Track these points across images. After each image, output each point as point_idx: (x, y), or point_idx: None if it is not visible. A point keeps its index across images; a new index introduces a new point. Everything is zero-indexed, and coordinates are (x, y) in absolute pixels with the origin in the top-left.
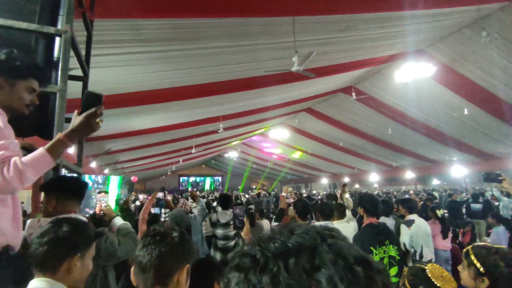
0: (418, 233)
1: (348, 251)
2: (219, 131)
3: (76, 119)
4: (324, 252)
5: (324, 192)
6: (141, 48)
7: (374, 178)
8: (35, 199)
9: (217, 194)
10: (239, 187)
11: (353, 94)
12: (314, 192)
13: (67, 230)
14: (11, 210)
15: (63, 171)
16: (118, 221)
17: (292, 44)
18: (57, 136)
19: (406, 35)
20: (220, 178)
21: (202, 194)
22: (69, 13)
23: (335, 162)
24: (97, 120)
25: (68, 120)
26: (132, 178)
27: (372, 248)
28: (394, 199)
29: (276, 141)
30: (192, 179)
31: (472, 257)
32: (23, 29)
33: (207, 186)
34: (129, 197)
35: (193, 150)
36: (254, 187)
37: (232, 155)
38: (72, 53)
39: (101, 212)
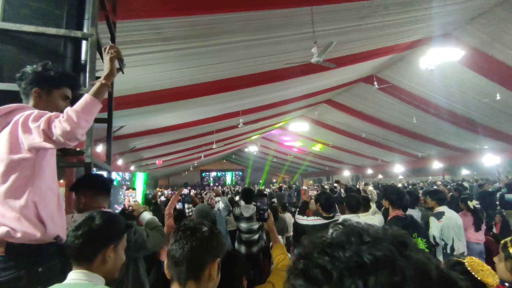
0: (449, 225)
1: (429, 267)
2: (239, 126)
3: (105, 64)
4: (405, 269)
5: (348, 185)
6: (161, 47)
7: (398, 169)
8: (69, 197)
9: (238, 188)
10: (260, 181)
11: (375, 83)
12: (335, 184)
13: (99, 222)
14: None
15: (94, 170)
16: (146, 215)
17: (311, 35)
18: (98, 81)
19: (432, 19)
20: (241, 173)
21: (224, 188)
22: (94, 17)
23: (357, 153)
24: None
25: (97, 120)
26: (157, 161)
27: None
28: (420, 191)
29: (296, 134)
30: (213, 174)
31: (511, 250)
32: (53, 35)
33: (228, 181)
34: (157, 192)
35: (214, 146)
36: (274, 181)
37: (252, 149)
38: (97, 55)
39: (130, 207)
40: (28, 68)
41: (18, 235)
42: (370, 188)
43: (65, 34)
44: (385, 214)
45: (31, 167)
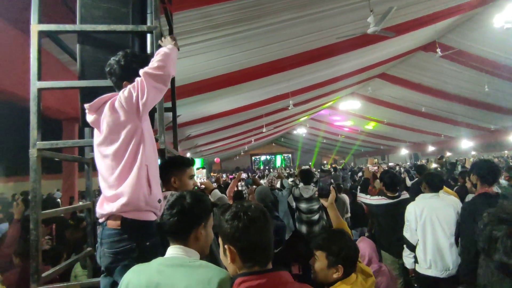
0: None
1: None
2: (289, 108)
3: (166, 42)
4: None
5: (408, 163)
6: (212, 35)
7: (466, 144)
8: None
9: (289, 171)
10: (310, 163)
11: (438, 50)
12: (390, 164)
13: (190, 201)
14: None
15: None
16: (217, 193)
17: (365, 3)
18: (170, 45)
19: None
20: (290, 155)
21: (275, 171)
22: (156, 10)
23: (416, 130)
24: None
25: (167, 109)
26: (215, 159)
27: None
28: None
29: (347, 113)
30: (263, 157)
31: None
32: (122, 31)
33: (278, 164)
34: (220, 175)
35: (264, 129)
36: (325, 162)
37: (301, 131)
38: None
39: (202, 185)
40: (113, 62)
41: (128, 201)
42: (434, 165)
43: (133, 29)
44: (461, 191)
45: (139, 134)
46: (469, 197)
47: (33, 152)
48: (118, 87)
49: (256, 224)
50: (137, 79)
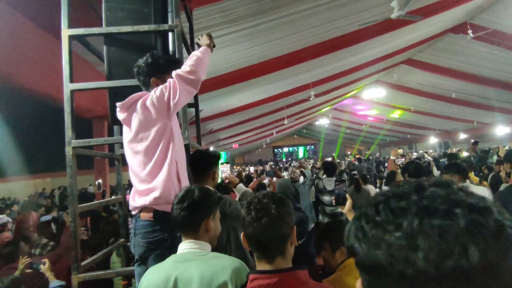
0: None
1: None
2: (311, 99)
3: (203, 40)
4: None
5: (438, 152)
6: (230, 29)
7: (501, 131)
8: None
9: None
10: (334, 154)
11: (469, 31)
12: (415, 154)
13: (199, 195)
14: None
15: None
16: (242, 187)
17: None
18: (204, 47)
19: None
20: (313, 147)
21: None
22: (177, 9)
23: (445, 117)
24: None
25: (190, 105)
26: (233, 145)
27: None
28: None
29: (371, 101)
30: (285, 149)
31: None
32: (145, 31)
33: (300, 155)
34: (242, 170)
35: (286, 121)
36: (349, 153)
37: (324, 122)
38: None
39: (226, 180)
40: (141, 62)
41: (160, 194)
42: (466, 154)
43: (155, 29)
44: (495, 180)
45: (169, 132)
46: (503, 187)
47: (68, 150)
48: (146, 85)
49: (263, 218)
50: (170, 80)
